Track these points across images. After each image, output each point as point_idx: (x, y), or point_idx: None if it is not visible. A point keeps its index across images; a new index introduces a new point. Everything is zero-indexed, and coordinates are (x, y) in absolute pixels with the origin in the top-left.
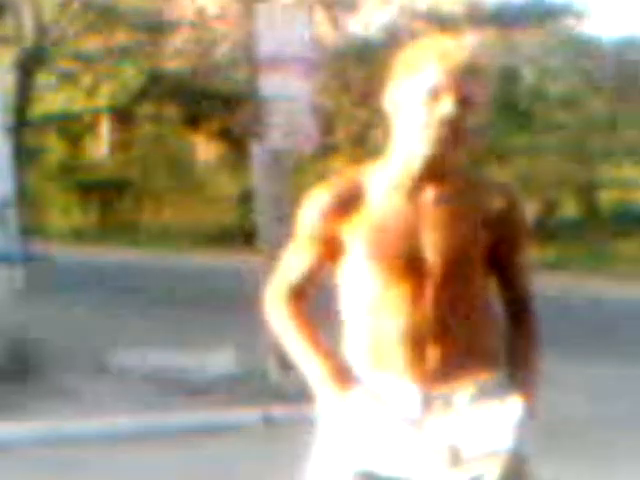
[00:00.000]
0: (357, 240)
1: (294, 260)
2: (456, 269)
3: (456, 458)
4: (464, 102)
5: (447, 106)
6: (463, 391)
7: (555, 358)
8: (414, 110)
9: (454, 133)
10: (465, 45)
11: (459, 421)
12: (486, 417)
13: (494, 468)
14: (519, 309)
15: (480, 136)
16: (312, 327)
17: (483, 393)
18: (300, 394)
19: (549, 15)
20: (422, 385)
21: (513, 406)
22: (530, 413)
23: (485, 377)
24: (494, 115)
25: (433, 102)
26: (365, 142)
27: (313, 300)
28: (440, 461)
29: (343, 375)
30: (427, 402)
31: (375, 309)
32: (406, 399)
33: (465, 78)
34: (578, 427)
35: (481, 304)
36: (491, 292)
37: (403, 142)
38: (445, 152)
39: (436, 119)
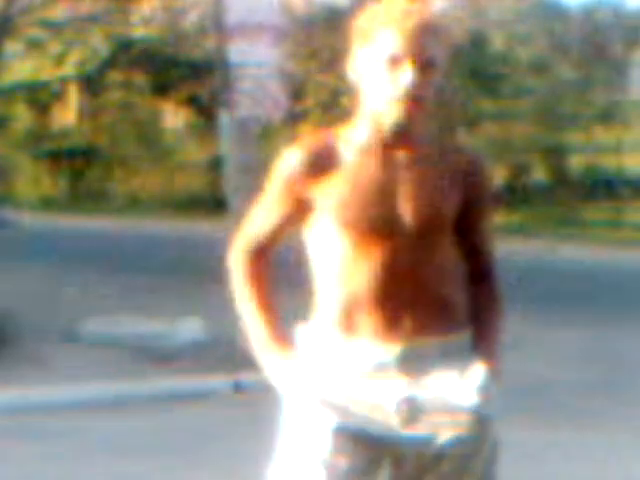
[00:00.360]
0: (328, 201)
1: (260, 217)
2: (428, 231)
3: (415, 413)
4: (425, 66)
5: (408, 74)
6: (428, 349)
7: (522, 322)
8: (375, 79)
9: (418, 99)
10: (419, 6)
11: (424, 380)
12: (451, 378)
13: (452, 424)
14: (482, 274)
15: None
16: (264, 288)
17: (450, 354)
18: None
19: None
20: (387, 344)
21: (477, 369)
22: (494, 377)
23: (452, 338)
24: (463, 80)
25: (393, 70)
26: (334, 108)
27: (275, 258)
28: (399, 415)
29: (285, 341)
30: (392, 360)
31: (346, 271)
32: (371, 359)
33: (423, 41)
34: (542, 391)
35: (451, 266)
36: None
37: (370, 109)
38: (411, 118)
39: (398, 88)
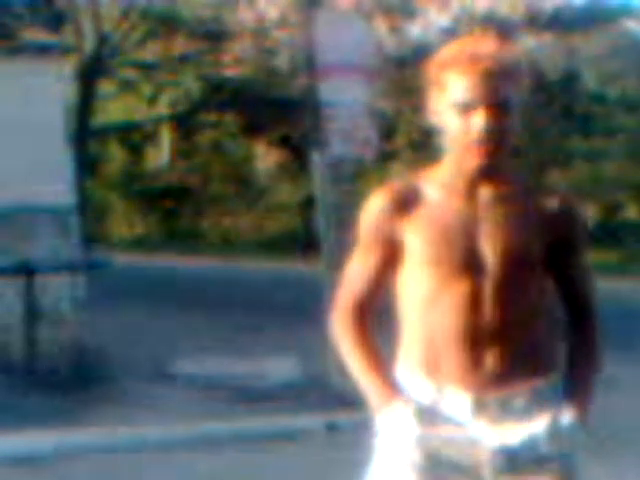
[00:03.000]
0: (415, 241)
1: (357, 268)
2: (514, 270)
3: (511, 464)
4: (497, 110)
5: (479, 120)
6: (518, 396)
7: (620, 362)
8: (451, 124)
9: (493, 143)
10: (488, 49)
11: (513, 427)
12: (540, 424)
13: (544, 475)
14: (580, 313)
15: (535, 138)
16: (370, 344)
17: (538, 399)
18: (363, 400)
19: (609, 18)
20: (476, 390)
21: (566, 414)
22: (583, 421)
23: (540, 383)
24: (555, 119)
25: (465, 117)
26: (425, 148)
27: (379, 309)
28: (494, 466)
29: (393, 395)
30: (481, 407)
31: (432, 310)
32: (460, 406)
33: (493, 85)
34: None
35: (539, 307)
36: (551, 296)
37: (453, 149)
38: (489, 162)
39: (472, 134)
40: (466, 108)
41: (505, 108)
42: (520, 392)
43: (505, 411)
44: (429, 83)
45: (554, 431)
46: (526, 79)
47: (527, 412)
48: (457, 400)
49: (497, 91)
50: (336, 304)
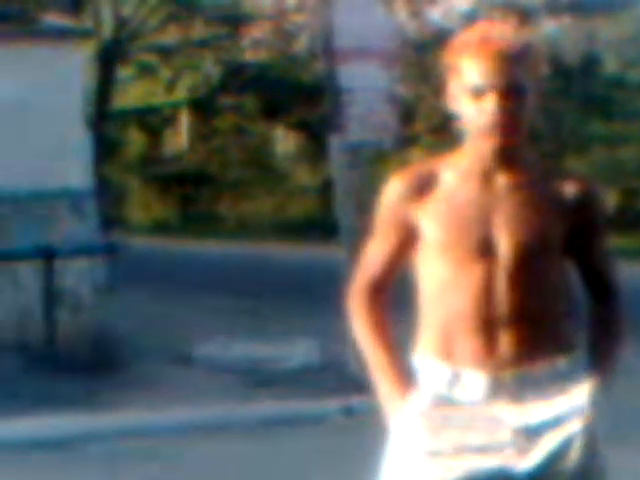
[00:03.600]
0: (431, 226)
1: (374, 251)
2: (529, 256)
3: (530, 442)
4: (509, 94)
5: (490, 104)
6: (536, 373)
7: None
8: (466, 109)
9: (507, 127)
10: (499, 33)
11: (533, 405)
12: (561, 400)
13: (570, 440)
14: (602, 293)
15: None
16: (384, 328)
17: (557, 376)
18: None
19: (629, 2)
20: (493, 371)
21: (587, 389)
22: (604, 398)
23: (559, 360)
24: (574, 104)
25: (478, 101)
26: (445, 133)
27: (394, 289)
28: (515, 447)
29: (405, 388)
30: (499, 386)
31: (447, 294)
32: (477, 387)
33: (504, 69)
34: None
35: (555, 291)
36: (570, 279)
37: (470, 134)
38: (505, 146)
39: (485, 118)
40: (479, 92)
41: (518, 92)
42: (539, 369)
43: (524, 388)
44: (447, 69)
45: (576, 401)
46: (542, 64)
47: (547, 389)
48: (474, 382)
49: (509, 75)
50: (353, 285)
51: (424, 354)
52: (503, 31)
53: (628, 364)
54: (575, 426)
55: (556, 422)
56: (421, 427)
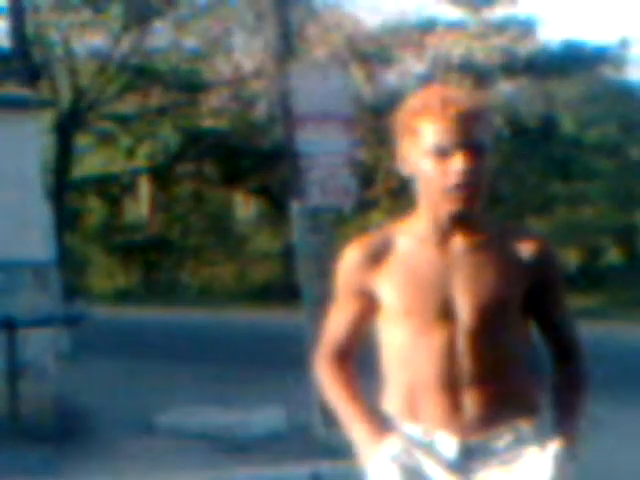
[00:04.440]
0: (390, 292)
1: (336, 318)
2: (489, 317)
3: None
4: (473, 152)
5: (457, 163)
6: (501, 438)
7: (604, 403)
8: (426, 171)
9: (472, 186)
10: (456, 94)
11: (499, 469)
12: (525, 463)
13: None
14: (564, 353)
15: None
16: (353, 387)
17: (521, 440)
18: (347, 450)
19: (585, 63)
20: (459, 434)
21: (552, 450)
22: (570, 456)
23: (523, 424)
24: (533, 163)
25: (442, 162)
26: (404, 195)
27: (360, 354)
28: None
29: (380, 433)
30: (465, 451)
31: (409, 359)
32: (444, 449)
33: (467, 128)
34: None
35: (517, 351)
36: (531, 337)
37: (426, 199)
38: (468, 206)
39: (450, 178)
40: (442, 153)
41: (480, 150)
42: (502, 434)
43: (489, 454)
44: (400, 132)
45: (541, 469)
46: (495, 122)
47: (511, 454)
48: (444, 443)
49: (471, 134)
50: (318, 351)
51: (392, 414)
52: (457, 92)
53: (594, 415)
54: None
55: None
56: (396, 473)
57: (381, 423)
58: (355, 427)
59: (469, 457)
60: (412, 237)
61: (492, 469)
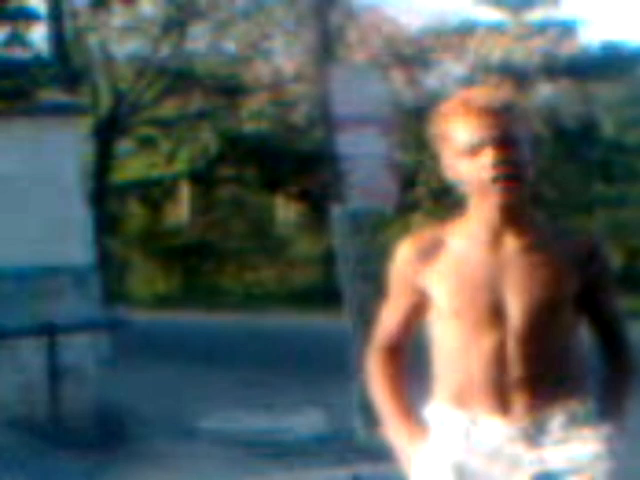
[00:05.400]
0: (441, 292)
1: (389, 313)
2: (539, 320)
3: None
4: (504, 145)
5: (488, 157)
6: (554, 418)
7: None
8: (466, 172)
9: (510, 176)
10: (481, 92)
11: (551, 450)
12: (577, 444)
13: None
14: (614, 349)
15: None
16: (398, 384)
17: (574, 421)
18: (388, 453)
19: (625, 65)
20: (509, 421)
21: (603, 434)
22: (619, 438)
23: (575, 405)
24: (575, 167)
25: (476, 159)
26: (446, 198)
27: (410, 349)
28: None
29: (418, 432)
30: (518, 431)
31: (458, 361)
32: (495, 432)
33: (493, 122)
34: None
35: (567, 350)
36: (580, 335)
37: (473, 196)
38: (509, 197)
39: (485, 173)
40: (473, 150)
41: (511, 142)
42: (556, 414)
43: (542, 434)
44: (437, 139)
45: (592, 447)
46: (531, 119)
47: (564, 434)
48: (492, 427)
49: (499, 127)
50: (370, 347)
51: (440, 403)
52: (483, 90)
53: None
54: (596, 472)
55: (575, 469)
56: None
57: (421, 426)
58: (393, 426)
59: (519, 437)
60: (463, 237)
61: (545, 449)
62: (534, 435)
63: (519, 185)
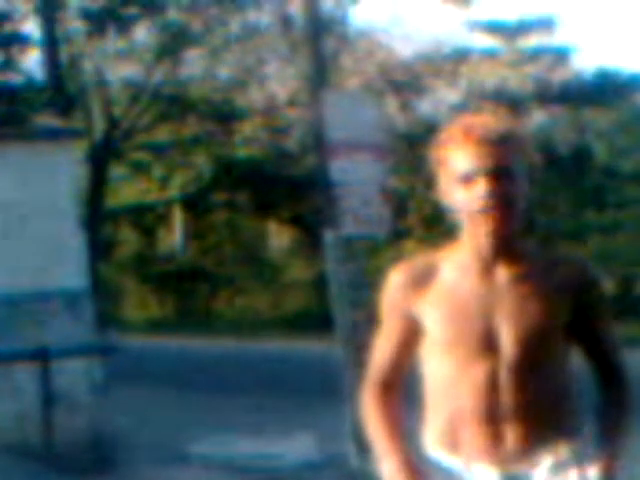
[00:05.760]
0: (433, 321)
1: (381, 345)
2: (532, 350)
3: None
4: (497, 176)
5: (480, 188)
6: (542, 465)
7: None
8: (459, 199)
9: (501, 207)
10: (482, 120)
11: None
12: None
13: None
14: (610, 378)
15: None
16: (394, 424)
17: (561, 464)
18: (380, 479)
19: (618, 92)
20: (500, 465)
21: (592, 476)
22: (609, 477)
23: (563, 448)
24: (568, 194)
25: (469, 188)
26: (438, 225)
27: (406, 382)
28: None
29: (412, 473)
30: None
31: (450, 391)
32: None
33: (489, 153)
34: None
35: (557, 379)
36: (570, 364)
37: (465, 227)
38: (499, 228)
39: (477, 203)
40: (468, 179)
41: (506, 174)
42: (542, 460)
43: None
44: (434, 164)
45: None
46: (530, 149)
47: (554, 478)
48: (485, 475)
49: (495, 158)
50: (365, 380)
51: (432, 446)
52: (485, 119)
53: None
54: None
55: None
56: None
57: (416, 466)
58: (388, 468)
59: None
60: (455, 266)
61: None
62: None
63: (509, 217)
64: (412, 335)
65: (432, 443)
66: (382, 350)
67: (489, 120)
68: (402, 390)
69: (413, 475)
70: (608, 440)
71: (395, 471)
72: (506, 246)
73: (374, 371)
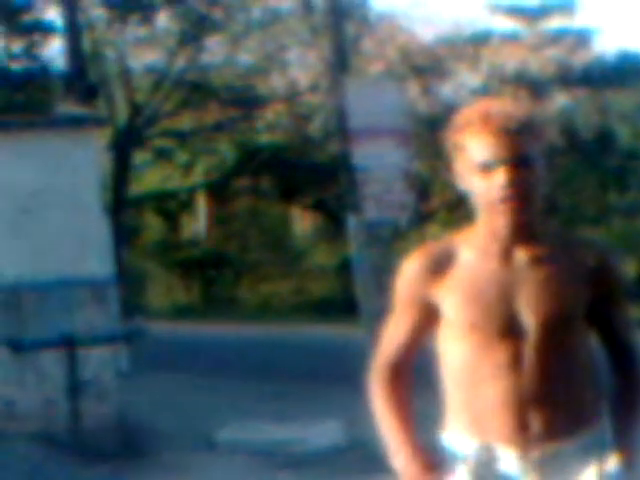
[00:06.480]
0: (452, 306)
1: (393, 330)
2: (553, 330)
3: None
4: (517, 165)
5: (499, 178)
6: (565, 451)
7: None
8: (476, 186)
9: (518, 199)
10: (501, 107)
11: None
12: (588, 473)
13: None
14: (624, 361)
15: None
16: (402, 407)
17: (584, 451)
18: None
19: None
20: (524, 449)
21: (613, 460)
22: (630, 466)
23: (585, 435)
24: (590, 176)
25: (487, 177)
26: (461, 208)
27: (415, 366)
28: None
29: (419, 460)
30: (530, 465)
31: (472, 375)
32: (506, 465)
33: (509, 142)
34: None
35: (580, 362)
36: (591, 345)
37: (483, 210)
38: (521, 218)
39: (495, 192)
40: (487, 168)
41: (525, 164)
42: (567, 447)
43: (554, 467)
44: (450, 148)
45: (603, 477)
46: (546, 133)
47: (575, 466)
48: (505, 458)
49: (515, 148)
50: (373, 364)
51: (453, 430)
52: (504, 106)
53: None
54: None
55: None
56: None
57: (424, 453)
58: (396, 454)
59: (531, 470)
60: (474, 249)
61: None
62: (546, 468)
63: (528, 205)
64: (427, 321)
65: (453, 427)
66: (393, 334)
67: (507, 107)
68: (412, 375)
69: (425, 467)
70: (625, 428)
71: (407, 464)
72: (524, 232)
73: (384, 355)
